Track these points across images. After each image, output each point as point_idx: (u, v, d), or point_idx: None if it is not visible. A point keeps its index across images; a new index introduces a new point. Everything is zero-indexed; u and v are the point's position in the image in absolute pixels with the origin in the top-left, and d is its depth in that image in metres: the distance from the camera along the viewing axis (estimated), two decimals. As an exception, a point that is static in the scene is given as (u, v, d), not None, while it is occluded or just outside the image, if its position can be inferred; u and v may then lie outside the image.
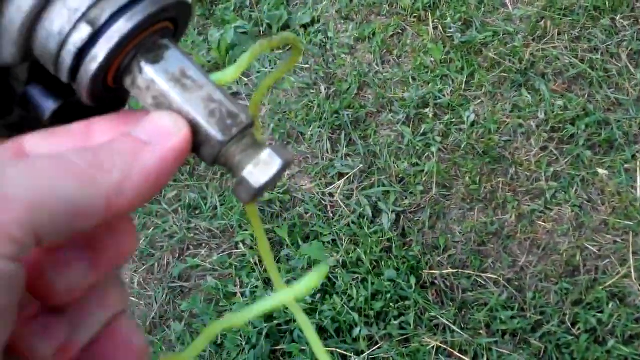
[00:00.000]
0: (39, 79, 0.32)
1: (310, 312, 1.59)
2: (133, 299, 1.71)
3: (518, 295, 1.61)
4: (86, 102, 0.31)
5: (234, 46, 2.14)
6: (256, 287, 1.65)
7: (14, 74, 0.32)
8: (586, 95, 1.91)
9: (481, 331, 1.54)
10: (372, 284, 1.60)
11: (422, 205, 1.77)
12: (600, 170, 1.78)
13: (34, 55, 0.30)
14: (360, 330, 1.54)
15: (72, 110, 0.33)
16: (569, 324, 1.54)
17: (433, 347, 1.50)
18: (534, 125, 1.86)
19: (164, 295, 1.70)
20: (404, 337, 1.54)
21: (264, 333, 1.56)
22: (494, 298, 1.59)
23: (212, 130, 0.31)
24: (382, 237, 1.69)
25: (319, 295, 1.61)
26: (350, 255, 1.66)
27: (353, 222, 1.73)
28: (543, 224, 1.71)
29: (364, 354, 1.51)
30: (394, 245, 1.67)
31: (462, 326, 1.55)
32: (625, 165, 1.77)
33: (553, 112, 1.87)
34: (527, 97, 1.91)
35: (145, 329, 1.64)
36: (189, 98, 0.31)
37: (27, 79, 0.32)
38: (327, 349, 1.54)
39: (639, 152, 1.78)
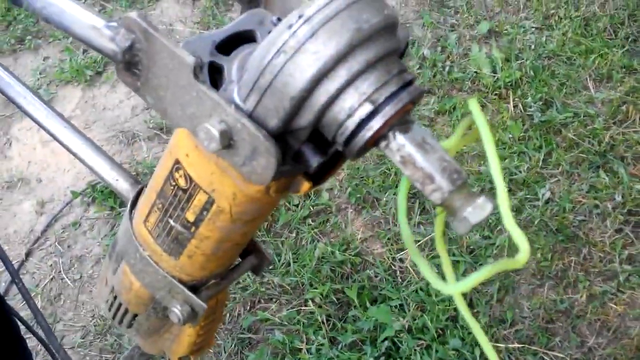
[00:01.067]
0: (311, 139, 0.44)
1: (372, 374, 1.61)
2: None
3: None
4: (351, 158, 0.44)
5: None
6: (322, 344, 1.69)
7: (296, 134, 0.43)
8: (667, 181, 1.90)
9: (544, 410, 1.52)
10: (437, 351, 1.62)
11: (492, 279, 1.78)
12: (678, 258, 1.75)
13: (320, 123, 0.42)
14: (421, 397, 1.56)
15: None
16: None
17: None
18: (610, 207, 1.85)
19: (233, 346, 1.76)
20: (465, 408, 1.54)
21: (325, 390, 1.60)
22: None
23: (443, 181, 0.41)
24: (449, 305, 1.71)
25: (383, 359, 1.64)
26: (416, 321, 1.69)
27: (421, 289, 1.76)
28: (614, 306, 1.69)
29: (424, 422, 1.52)
30: (460, 315, 1.69)
31: (525, 403, 1.54)
32: None
33: (631, 196, 1.86)
34: (604, 179, 1.92)
35: (212, 376, 1.71)
36: (428, 158, 0.41)
37: (305, 139, 0.43)
38: (387, 412, 1.56)
39: None
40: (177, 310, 0.60)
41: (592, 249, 1.80)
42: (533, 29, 2.42)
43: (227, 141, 0.42)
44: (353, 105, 0.40)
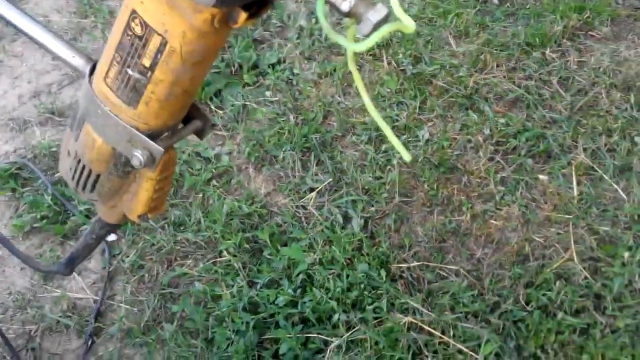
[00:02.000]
0: None
1: (292, 305, 1.75)
2: (126, 306, 1.83)
3: (477, 283, 1.80)
4: None
5: (209, 84, 2.35)
6: (242, 287, 1.80)
7: None
8: (525, 115, 2.18)
9: (446, 312, 1.72)
10: (347, 276, 1.78)
11: (387, 212, 1.97)
12: (541, 176, 2.02)
13: None
14: (338, 317, 1.71)
15: None
16: (523, 303, 1.73)
17: (405, 323, 1.67)
18: (481, 140, 2.10)
19: (155, 301, 1.83)
20: (378, 320, 1.71)
21: (251, 324, 1.71)
22: (455, 285, 1.78)
23: (361, 2, 0.54)
24: (353, 238, 1.88)
25: (300, 290, 1.77)
26: (326, 254, 1.84)
27: (327, 228, 1.92)
28: (495, 222, 1.93)
29: (343, 337, 1.67)
30: (364, 245, 1.86)
31: (430, 309, 1.73)
32: (563, 171, 2.01)
33: (497, 129, 2.12)
34: (473, 117, 2.16)
35: (140, 331, 1.77)
36: None
37: None
38: (309, 335, 1.70)
39: (574, 159, 2.04)
40: (138, 154, 0.69)
41: (470, 176, 2.03)
42: (397, -3, 2.65)
43: None
44: None
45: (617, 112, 2.14)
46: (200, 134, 0.80)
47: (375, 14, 0.54)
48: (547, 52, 2.38)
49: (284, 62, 2.46)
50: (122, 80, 0.66)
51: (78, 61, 0.75)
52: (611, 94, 2.21)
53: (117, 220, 0.89)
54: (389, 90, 2.28)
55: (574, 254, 1.80)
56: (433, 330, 1.67)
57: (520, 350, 1.64)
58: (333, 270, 1.81)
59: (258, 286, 1.81)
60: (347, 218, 1.96)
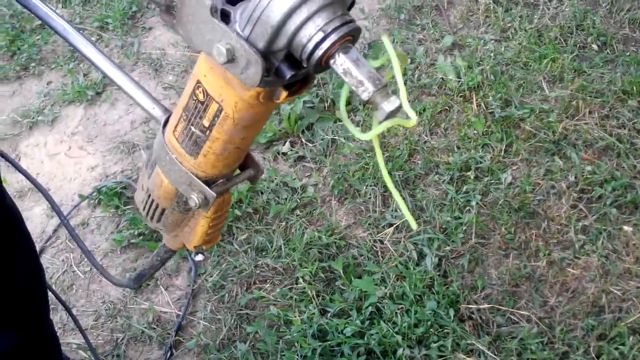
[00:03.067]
0: (286, 60, 0.65)
1: (359, 336, 1.80)
2: (205, 323, 1.96)
3: (548, 330, 1.78)
4: (312, 72, 0.65)
5: (302, 118, 2.48)
6: (313, 314, 1.88)
7: (276, 55, 0.64)
8: (614, 164, 2.14)
9: (513, 357, 1.71)
10: (415, 312, 1.81)
11: (462, 252, 1.99)
12: (626, 227, 1.97)
13: (291, 46, 0.63)
14: (403, 351, 1.75)
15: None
16: (594, 355, 1.70)
17: (467, 364, 1.68)
18: (565, 187, 2.08)
19: (232, 321, 1.95)
20: (443, 358, 1.73)
21: (318, 351, 1.78)
22: (525, 331, 1.77)
23: (369, 84, 0.62)
24: (426, 276, 1.91)
25: (368, 322, 1.83)
26: (397, 289, 1.89)
27: (400, 263, 1.96)
28: (572, 270, 1.90)
29: (406, 372, 1.71)
30: (435, 283, 1.89)
31: (496, 352, 1.73)
32: (649, 223, 1.96)
33: (583, 176, 2.10)
34: (559, 163, 2.15)
35: (215, 347, 1.88)
36: (360, 70, 0.62)
37: (282, 59, 0.65)
38: (373, 367, 1.74)
39: (662, 211, 1.98)
40: (194, 197, 0.82)
41: (551, 222, 2.02)
42: (492, 40, 2.68)
43: (231, 56, 0.63)
44: (311, 33, 0.61)
45: None
46: (252, 180, 0.92)
47: (389, 105, 0.63)
48: (644, 100, 2.32)
49: (376, 100, 2.54)
50: (186, 135, 0.78)
51: (157, 112, 0.90)
52: None
53: (178, 248, 1.03)
54: (475, 132, 2.31)
55: (653, 310, 1.75)
56: (495, 374, 1.67)
57: (584, 403, 1.62)
58: (402, 306, 1.85)
59: (329, 315, 1.88)
60: (421, 255, 2.00)
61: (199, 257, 2.13)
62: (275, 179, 2.31)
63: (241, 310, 1.97)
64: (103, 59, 0.92)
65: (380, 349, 1.77)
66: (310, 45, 0.61)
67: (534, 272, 1.92)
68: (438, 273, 1.93)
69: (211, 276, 2.06)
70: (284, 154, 2.43)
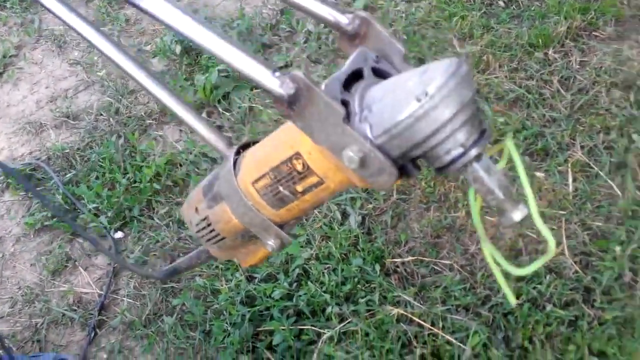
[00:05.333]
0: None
1: (287, 298, 1.80)
2: (129, 300, 1.91)
3: (469, 277, 1.83)
4: (439, 174, 0.65)
5: (217, 87, 2.43)
6: (240, 281, 1.86)
7: (404, 159, 0.64)
8: (525, 114, 2.20)
9: (437, 305, 1.75)
10: (342, 270, 1.82)
11: (385, 209, 2.01)
12: (538, 173, 2.04)
13: (424, 156, 0.63)
14: (331, 310, 1.75)
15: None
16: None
17: (395, 315, 1.70)
18: (479, 138, 2.13)
19: (157, 295, 1.90)
20: (370, 312, 1.75)
21: (247, 317, 1.77)
22: (448, 279, 1.81)
23: (499, 193, 0.64)
24: (350, 234, 1.92)
25: (295, 284, 1.83)
26: (322, 250, 1.89)
27: (325, 224, 1.97)
28: (490, 218, 1.95)
29: (336, 328, 1.72)
30: (360, 240, 1.90)
31: (421, 302, 1.77)
32: (559, 168, 2.03)
33: (496, 127, 2.15)
34: (472, 116, 2.19)
35: (141, 323, 1.84)
36: (491, 179, 0.63)
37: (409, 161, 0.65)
38: (303, 327, 1.75)
39: (571, 156, 2.05)
40: (271, 243, 0.81)
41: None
42: (403, 2, 2.71)
43: (363, 163, 0.63)
44: (450, 148, 0.61)
45: (616, 111, 2.15)
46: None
47: (518, 214, 0.64)
48: (550, 52, 2.40)
49: (291, 65, 2.53)
50: (271, 191, 0.75)
51: (221, 145, 0.83)
52: (611, 93, 2.21)
53: (224, 259, 1.02)
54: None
55: (566, 249, 1.82)
56: (423, 322, 1.70)
57: (508, 342, 1.67)
58: (328, 265, 1.85)
59: (256, 280, 1.87)
60: (345, 215, 2.01)
61: (119, 235, 2.07)
62: (194, 150, 2.26)
63: (166, 284, 1.93)
64: (157, 85, 0.84)
65: (310, 309, 1.77)
66: (448, 159, 0.62)
67: (454, 222, 1.96)
68: (362, 231, 1.95)
69: (133, 252, 2.01)
70: (201, 124, 2.38)
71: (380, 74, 0.71)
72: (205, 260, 1.05)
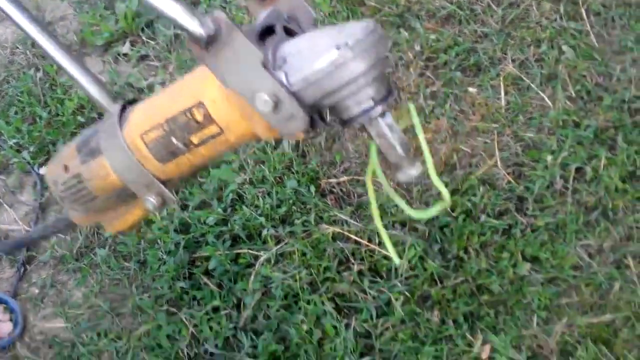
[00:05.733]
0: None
1: (222, 223, 1.77)
2: (59, 234, 1.84)
3: (406, 194, 1.82)
4: (341, 127, 0.81)
5: (139, 15, 2.32)
6: (173, 209, 1.81)
7: (314, 109, 0.66)
8: (457, 31, 2.18)
9: (374, 222, 1.74)
10: (277, 193, 1.80)
11: (320, 133, 1.98)
12: (470, 89, 2.03)
13: (334, 106, 0.66)
14: (267, 232, 1.73)
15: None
16: (449, 209, 1.76)
17: (330, 233, 1.69)
18: (412, 56, 2.10)
19: (88, 228, 1.84)
20: (307, 232, 1.73)
21: (182, 244, 1.73)
22: (384, 197, 1.80)
23: (399, 148, 0.69)
24: (284, 157, 1.89)
25: (230, 209, 1.79)
26: (256, 174, 1.85)
27: (258, 149, 1.92)
28: (424, 134, 1.94)
29: (272, 250, 1.70)
30: (294, 163, 1.87)
31: (358, 220, 1.76)
32: (491, 82, 2.02)
33: (428, 45, 2.12)
34: (404, 34, 2.16)
35: (72, 257, 1.78)
36: (393, 135, 0.68)
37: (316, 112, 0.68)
38: (239, 251, 1.72)
39: (502, 70, 2.05)
40: (152, 200, 0.75)
41: (402, 92, 2.04)
42: None
43: (276, 108, 0.63)
44: (361, 100, 0.65)
45: (546, 23, 2.14)
46: None
47: (414, 170, 0.70)
48: (480, -33, 2.36)
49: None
50: (162, 144, 0.72)
51: (104, 100, 0.79)
52: (542, 6, 2.20)
53: (86, 224, 0.93)
54: (322, 13, 2.26)
55: (499, 161, 1.83)
56: (359, 239, 1.70)
57: (444, 253, 1.68)
58: (263, 189, 1.82)
59: (189, 208, 1.83)
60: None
61: (43, 170, 1.99)
62: (119, 81, 2.17)
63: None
64: (37, 29, 0.80)
65: (245, 233, 1.75)
66: (356, 110, 0.65)
67: (388, 141, 1.94)
68: (296, 154, 1.91)
69: (59, 187, 1.93)
70: (125, 54, 2.28)
71: (290, 34, 0.71)
72: (63, 229, 1.00)
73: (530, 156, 1.83)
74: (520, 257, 1.63)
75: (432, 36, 2.15)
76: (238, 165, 1.89)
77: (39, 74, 2.21)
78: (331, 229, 1.70)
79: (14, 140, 2.01)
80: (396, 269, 1.63)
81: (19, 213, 1.90)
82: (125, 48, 2.27)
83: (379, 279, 1.64)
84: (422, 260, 1.66)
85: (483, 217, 1.71)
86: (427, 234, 1.72)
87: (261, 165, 1.88)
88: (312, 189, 1.81)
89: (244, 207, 1.78)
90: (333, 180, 1.86)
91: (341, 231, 1.71)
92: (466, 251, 1.67)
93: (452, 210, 1.75)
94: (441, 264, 1.64)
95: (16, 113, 2.11)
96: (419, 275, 1.62)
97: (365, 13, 2.25)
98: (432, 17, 2.23)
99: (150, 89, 2.14)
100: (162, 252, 1.74)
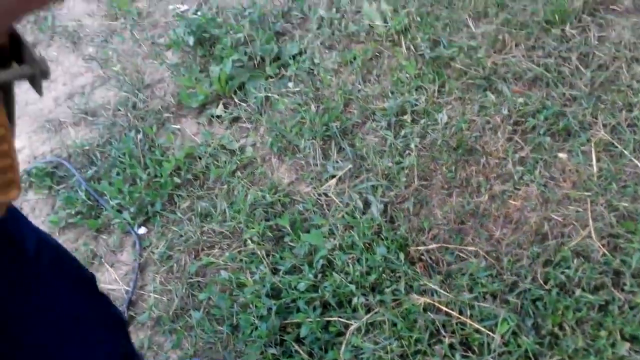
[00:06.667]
0: None
1: (313, 290, 1.80)
2: (156, 295, 1.92)
3: (495, 263, 1.82)
4: None
5: (232, 78, 2.42)
6: (265, 273, 1.86)
7: None
8: (544, 94, 2.17)
9: (464, 293, 1.74)
10: (366, 260, 1.82)
11: (407, 196, 2.00)
12: (560, 154, 2.02)
13: None
14: (358, 300, 1.75)
15: None
16: (541, 282, 1.74)
17: (422, 304, 1.70)
18: (499, 120, 2.11)
19: (184, 290, 1.91)
20: (397, 302, 1.75)
21: (274, 310, 1.77)
22: (474, 266, 1.80)
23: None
24: (373, 223, 1.92)
25: (320, 275, 1.83)
26: (346, 240, 1.89)
27: (347, 214, 1.96)
28: (513, 202, 1.94)
29: (363, 319, 1.72)
30: (383, 229, 1.90)
31: (448, 290, 1.76)
32: (582, 148, 2.01)
33: (515, 108, 2.12)
34: (491, 98, 2.17)
35: (169, 319, 1.85)
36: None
37: None
38: (330, 318, 1.75)
39: (593, 135, 2.03)
40: None
41: (489, 157, 2.04)
42: (416, -18, 2.67)
43: None
44: None
45: (637, 86, 2.11)
46: (32, 81, 0.71)
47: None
48: (567, 28, 2.36)
49: (305, 52, 2.51)
50: None
51: None
52: (632, 68, 2.18)
53: None
54: (407, 75, 2.30)
55: (592, 231, 1.80)
56: (450, 311, 1.70)
57: (537, 328, 1.66)
58: (352, 255, 1.85)
59: (280, 272, 1.87)
60: (367, 203, 2.00)
61: (142, 230, 2.08)
62: (212, 142, 2.26)
63: (191, 278, 1.94)
64: None
65: (336, 300, 1.78)
66: None
67: (477, 207, 1.95)
68: (385, 219, 1.94)
69: (157, 248, 2.02)
70: (218, 116, 2.38)
71: None
72: None
73: (626, 227, 1.79)
74: (619, 335, 1.59)
75: (520, 100, 2.15)
76: (328, 229, 1.93)
77: (140, 136, 2.33)
78: (422, 300, 1.71)
79: (116, 201, 2.11)
80: (489, 344, 1.62)
81: (119, 272, 2.00)
82: (219, 110, 2.37)
83: (470, 354, 1.63)
84: (516, 335, 1.64)
85: (578, 292, 1.69)
86: (519, 307, 1.70)
87: (350, 230, 1.92)
88: (402, 256, 1.83)
89: (334, 273, 1.82)
90: (422, 248, 1.87)
91: (432, 302, 1.71)
92: (561, 327, 1.64)
93: (545, 283, 1.73)
94: (535, 340, 1.62)
95: (118, 174, 2.22)
96: (513, 352, 1.60)
97: (451, 75, 2.28)
98: (519, 80, 2.23)
99: (242, 150, 2.22)
100: (254, 316, 1.78)
